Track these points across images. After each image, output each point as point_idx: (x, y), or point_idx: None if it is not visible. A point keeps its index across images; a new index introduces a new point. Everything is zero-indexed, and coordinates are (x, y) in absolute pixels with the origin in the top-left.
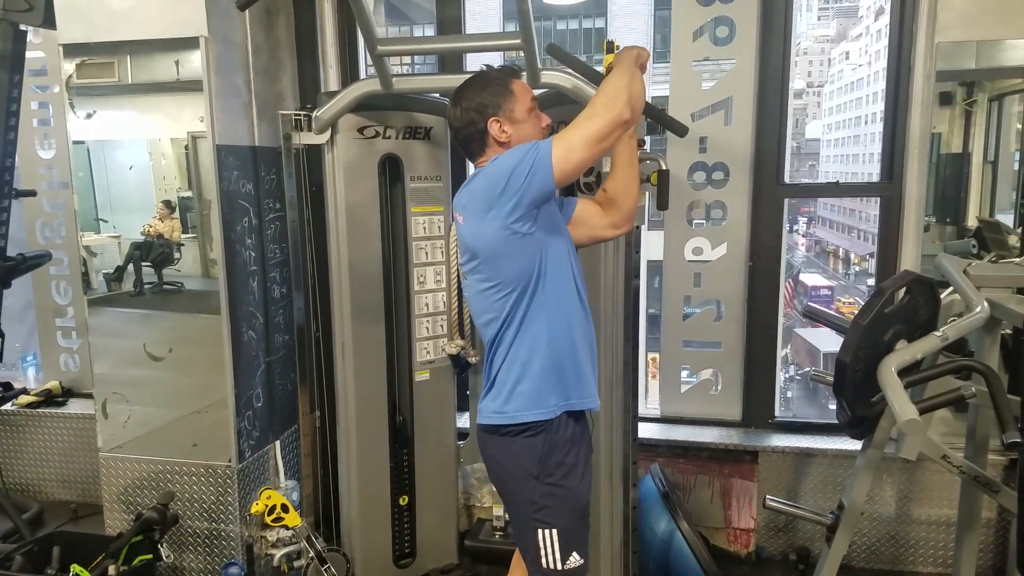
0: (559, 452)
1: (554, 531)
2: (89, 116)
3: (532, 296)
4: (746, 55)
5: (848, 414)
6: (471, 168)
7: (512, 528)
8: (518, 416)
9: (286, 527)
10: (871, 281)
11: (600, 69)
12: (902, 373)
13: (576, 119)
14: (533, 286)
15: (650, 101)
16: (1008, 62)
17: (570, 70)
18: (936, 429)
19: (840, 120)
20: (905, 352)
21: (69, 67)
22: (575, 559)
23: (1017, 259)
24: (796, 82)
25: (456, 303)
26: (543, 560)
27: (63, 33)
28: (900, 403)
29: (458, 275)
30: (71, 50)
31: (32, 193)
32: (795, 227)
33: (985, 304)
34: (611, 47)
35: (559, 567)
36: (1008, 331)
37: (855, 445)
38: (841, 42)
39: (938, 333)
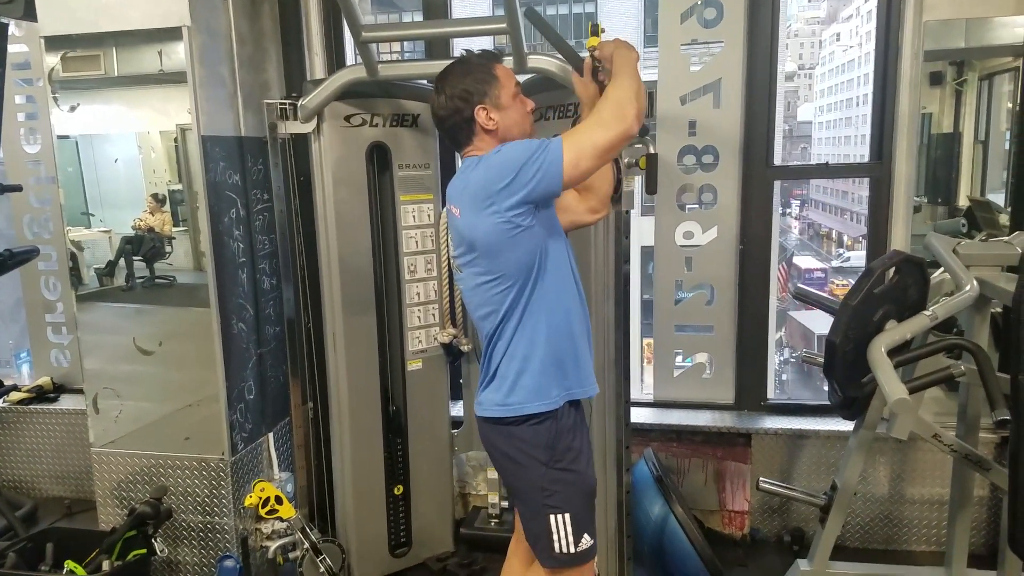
0: (565, 438)
1: (566, 515)
2: (72, 109)
3: (532, 290)
4: (734, 37)
5: (839, 395)
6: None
7: (520, 517)
8: (523, 408)
9: (280, 519)
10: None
11: (584, 54)
12: (892, 353)
13: (586, 123)
14: (533, 280)
15: None
16: (997, 41)
17: (558, 54)
18: (928, 408)
19: (832, 102)
20: (895, 332)
21: (52, 60)
22: (586, 540)
23: (1006, 237)
24: (787, 65)
25: (448, 292)
26: (556, 545)
27: (45, 25)
28: (890, 383)
29: (449, 264)
30: (53, 42)
31: (18, 188)
32: (788, 210)
33: (974, 283)
34: (596, 30)
35: (572, 550)
36: (998, 310)
37: (847, 426)
38: (832, 23)
39: (927, 312)
